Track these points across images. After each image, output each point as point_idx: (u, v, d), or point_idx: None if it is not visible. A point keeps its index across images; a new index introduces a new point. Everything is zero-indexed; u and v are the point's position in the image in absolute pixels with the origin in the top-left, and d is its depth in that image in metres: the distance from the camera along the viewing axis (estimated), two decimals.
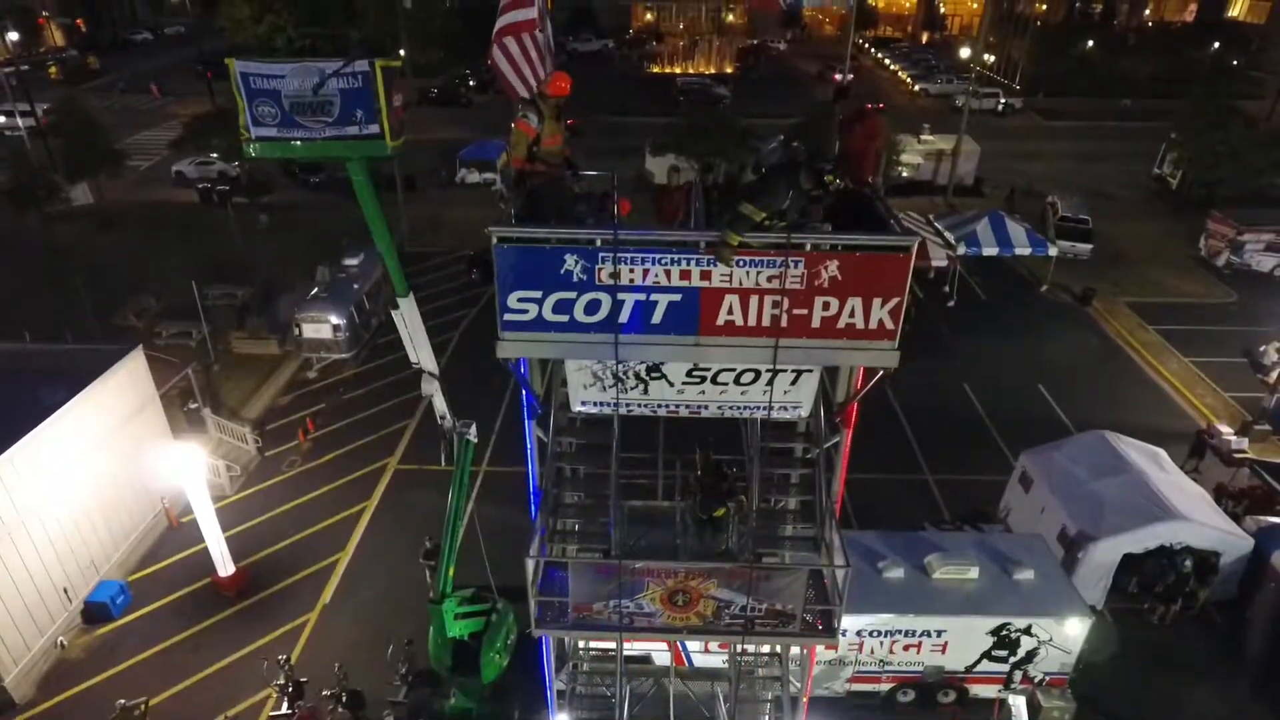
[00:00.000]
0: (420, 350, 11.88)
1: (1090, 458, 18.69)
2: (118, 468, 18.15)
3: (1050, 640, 14.79)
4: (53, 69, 64.20)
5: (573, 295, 6.94)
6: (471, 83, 61.20)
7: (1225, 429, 22.85)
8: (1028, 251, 30.49)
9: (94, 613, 17.17)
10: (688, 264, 6.82)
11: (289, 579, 18.40)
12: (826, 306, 6.88)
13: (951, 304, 30.34)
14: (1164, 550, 16.86)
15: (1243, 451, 22.17)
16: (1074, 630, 14.71)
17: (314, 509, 20.49)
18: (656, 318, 7.03)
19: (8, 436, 15.35)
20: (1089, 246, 33.77)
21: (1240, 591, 17.43)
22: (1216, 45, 66.00)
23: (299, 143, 8.37)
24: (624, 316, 7.01)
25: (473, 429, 13.16)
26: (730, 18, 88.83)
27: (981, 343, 28.17)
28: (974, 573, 15.28)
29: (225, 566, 17.66)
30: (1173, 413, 24.85)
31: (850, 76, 58.32)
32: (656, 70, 71.44)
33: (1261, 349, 26.85)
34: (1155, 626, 17.19)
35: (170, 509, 19.73)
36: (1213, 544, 17.06)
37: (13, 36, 59.72)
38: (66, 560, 16.87)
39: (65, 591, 16.78)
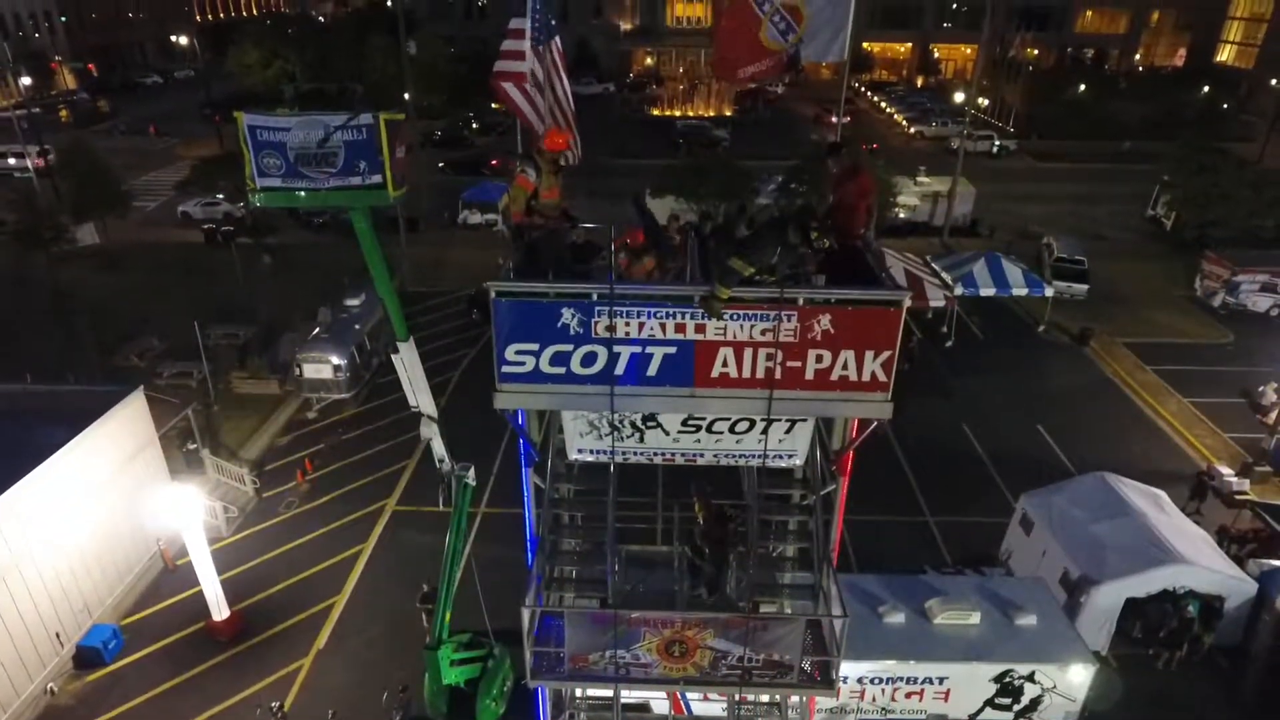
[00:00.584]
0: (420, 394, 11.95)
1: (1091, 500, 18.61)
2: (115, 509, 18.08)
3: (1054, 687, 14.59)
4: (63, 112, 65.40)
5: (569, 348, 7.05)
6: (474, 125, 62.25)
7: (1226, 470, 22.79)
8: (1024, 292, 30.72)
9: (85, 658, 16.95)
10: (683, 317, 6.94)
11: (284, 623, 18.20)
12: (820, 359, 6.98)
13: (949, 344, 30.47)
14: (1167, 594, 16.71)
15: (1244, 493, 22.11)
16: (1078, 677, 14.52)
17: (310, 551, 20.35)
18: (652, 370, 7.13)
19: (4, 480, 15.32)
20: (1085, 287, 34.03)
21: (1245, 635, 17.23)
22: (1206, 89, 67.20)
23: (303, 192, 8.57)
24: (620, 369, 7.11)
25: (471, 472, 13.17)
26: None
27: (980, 383, 28.24)
28: (976, 618, 15.13)
29: (220, 610, 17.49)
30: (1172, 454, 24.79)
31: (847, 119, 59.30)
32: (656, 113, 72.65)
33: (1260, 389, 26.90)
34: (1160, 672, 16.96)
35: (166, 551, 19.60)
36: (1216, 588, 16.91)
37: (25, 80, 60.84)
38: (59, 603, 16.72)
39: (57, 636, 16.60)
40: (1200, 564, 16.83)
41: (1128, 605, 16.78)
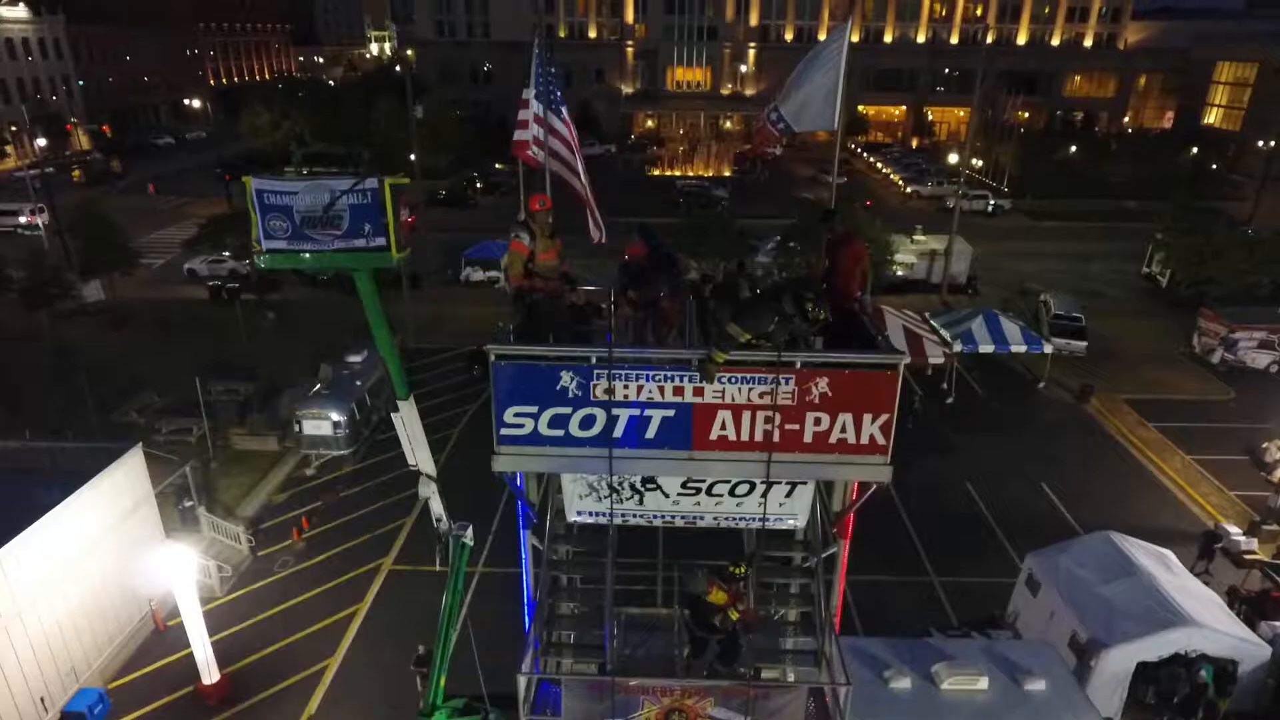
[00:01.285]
0: (419, 452, 11.90)
1: (1098, 560, 18.33)
2: (107, 569, 17.84)
3: None
4: (76, 172, 66.81)
5: (568, 410, 7.07)
6: (478, 185, 63.50)
7: (1234, 529, 22.53)
8: (1023, 349, 30.85)
9: None
10: (681, 380, 6.98)
11: (275, 686, 17.76)
12: (818, 422, 6.99)
13: (950, 400, 30.46)
14: (1179, 658, 16.32)
15: (1252, 553, 21.80)
16: None
17: (304, 611, 19.99)
18: (651, 432, 7.14)
19: None
20: (1084, 344, 34.17)
21: (1256, 700, 16.76)
22: (1194, 151, 68.69)
23: (308, 254, 8.70)
24: (619, 431, 7.12)
25: (469, 531, 12.99)
26: (728, 124, 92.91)
27: (982, 440, 28.13)
28: (984, 683, 14.72)
29: (210, 674, 17.09)
30: (1178, 512, 24.54)
31: (844, 179, 60.56)
32: (657, 173, 74.17)
33: (1264, 446, 26.77)
34: None
35: (158, 611, 19.26)
36: (1229, 652, 16.52)
37: (41, 141, 62.45)
38: (46, 667, 16.35)
39: (41, 700, 16.18)
40: (1212, 627, 16.47)
41: (1139, 670, 16.37)
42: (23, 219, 47.51)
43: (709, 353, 6.84)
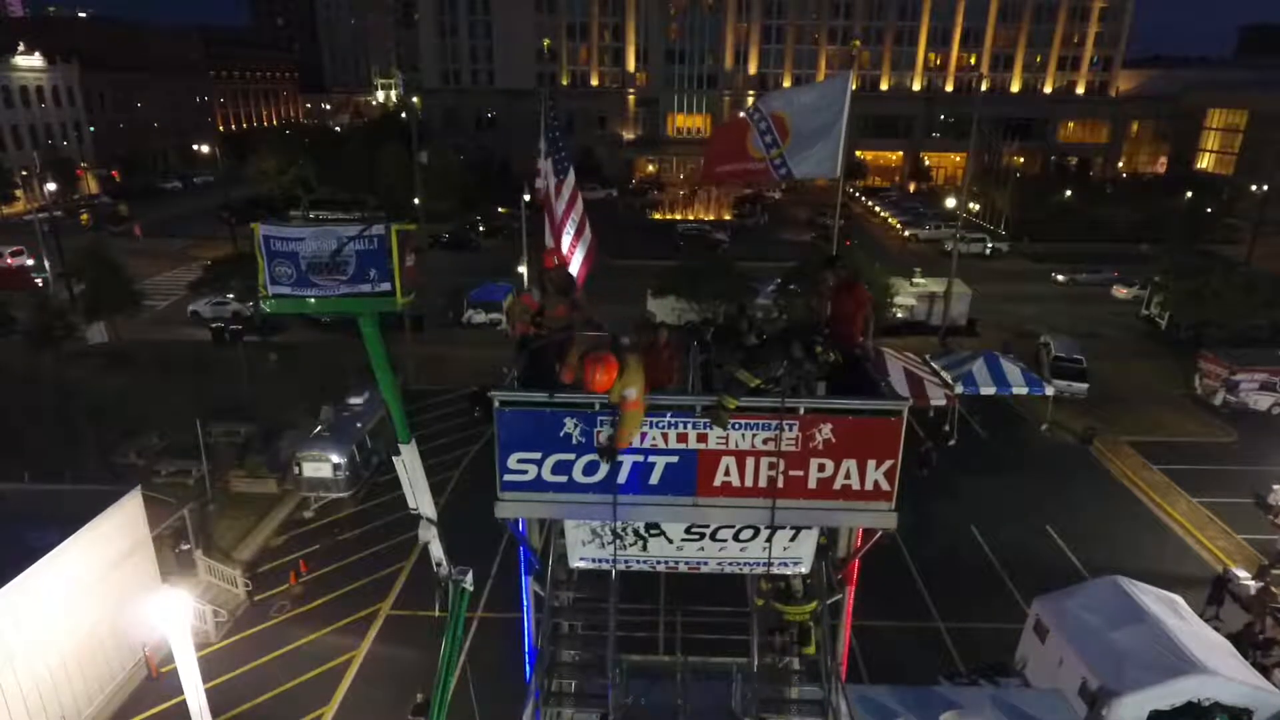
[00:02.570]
0: (420, 496, 11.84)
1: (1106, 606, 18.05)
2: (101, 614, 17.60)
3: None
4: (84, 216, 67.66)
5: (572, 457, 7.06)
6: (481, 228, 64.26)
7: (1243, 573, 22.23)
8: (1024, 391, 30.85)
9: None
10: (685, 426, 6.98)
11: None
12: (822, 468, 6.98)
13: (952, 443, 30.34)
14: (1192, 707, 15.96)
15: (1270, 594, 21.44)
16: None
17: (300, 657, 19.64)
18: (654, 479, 7.12)
19: None
20: (1085, 386, 34.17)
21: None
22: (1189, 194, 69.61)
23: (313, 299, 8.78)
24: (622, 478, 7.10)
25: (469, 576, 12.85)
26: None
27: (986, 482, 27.95)
28: None
29: None
30: (1185, 556, 24.27)
31: (843, 223, 61.11)
32: (658, 217, 75.07)
33: (1275, 488, 26.52)
34: None
35: (151, 657, 18.93)
36: (1243, 700, 16.15)
37: (50, 186, 63.32)
38: (36, 715, 16.00)
39: None
40: (1225, 674, 16.15)
41: (1151, 719, 16.01)
42: (9, 260, 48.10)
43: (720, 399, 6.86)
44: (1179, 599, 18.82)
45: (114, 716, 17.87)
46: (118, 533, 18.31)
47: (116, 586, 18.03)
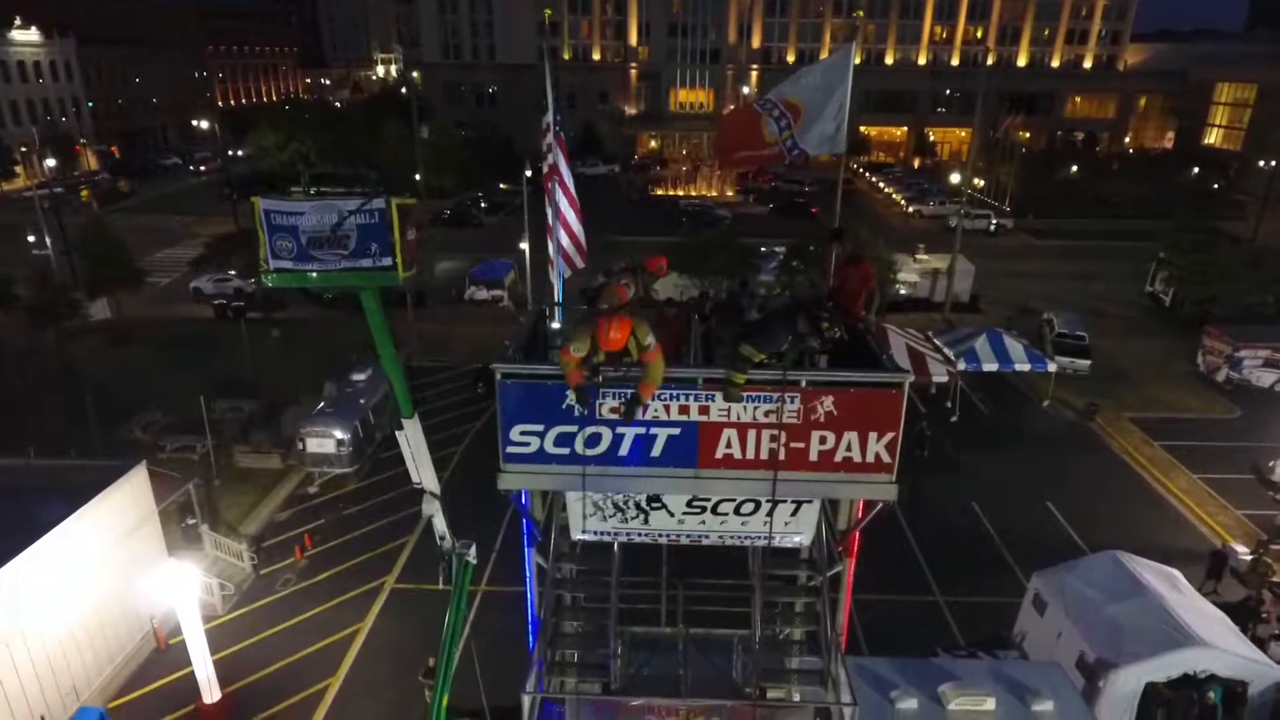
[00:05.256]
0: (423, 470, 11.89)
1: (1105, 580, 18.18)
2: (110, 587, 17.79)
3: None
4: (84, 192, 67.41)
5: (574, 429, 7.08)
6: (483, 205, 63.95)
7: (1241, 548, 22.36)
8: (1027, 367, 30.82)
9: None
10: (686, 399, 6.99)
11: (276, 706, 17.63)
12: (823, 440, 7.00)
13: (954, 419, 30.40)
14: (1189, 679, 16.14)
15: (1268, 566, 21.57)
16: None
17: (306, 630, 19.89)
18: (656, 451, 7.15)
19: (0, 557, 15.15)
20: (1088, 362, 34.13)
21: None
22: (1196, 170, 68.98)
23: (315, 273, 8.77)
24: (624, 450, 7.12)
25: (472, 549, 12.96)
26: None
27: (987, 459, 28.02)
28: (991, 704, 14.57)
29: (211, 693, 16.99)
30: (1184, 531, 24.39)
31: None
32: (660, 193, 74.60)
33: (1270, 464, 26.62)
34: None
35: (159, 629, 19.18)
36: (1239, 672, 16.32)
37: (50, 162, 63.11)
38: (47, 685, 16.26)
39: (42, 718, 16.09)
40: (1221, 647, 16.31)
41: (1148, 690, 16.19)
42: None
43: (728, 375, 6.86)
44: (1177, 573, 18.95)
45: (124, 687, 18.14)
46: (124, 507, 18.46)
47: (124, 560, 18.21)
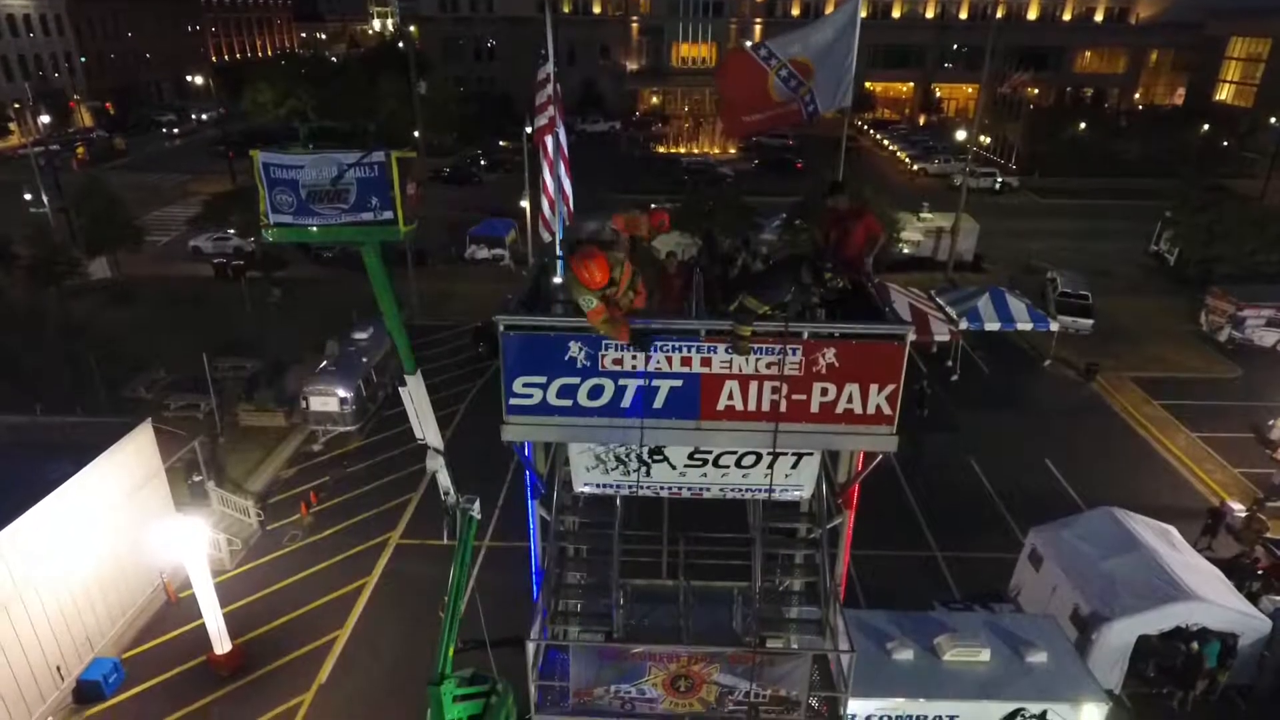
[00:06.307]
0: (426, 426, 11.97)
1: (1101, 535, 18.43)
2: (119, 542, 18.07)
3: None
4: (80, 149, 66.61)
5: (577, 381, 7.11)
6: (483, 162, 63.21)
7: (1237, 506, 22.58)
8: (1029, 327, 30.79)
9: (85, 692, 16.80)
10: (689, 351, 7.01)
11: (285, 657, 18.05)
12: (824, 392, 7.03)
13: (955, 377, 30.46)
14: (1180, 632, 16.47)
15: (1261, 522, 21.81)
16: (1091, 716, 14.23)
17: (313, 584, 20.24)
18: (659, 403, 7.19)
19: (10, 512, 15.36)
20: (1090, 322, 34.06)
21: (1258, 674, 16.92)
22: (1206, 127, 67.88)
23: (315, 228, 8.71)
24: (626, 401, 7.16)
25: (476, 505, 13.11)
26: None
27: (987, 417, 28.15)
28: (986, 655, 14.89)
29: (222, 644, 17.37)
30: (1182, 489, 24.61)
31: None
32: (662, 150, 73.61)
33: (1270, 423, 26.74)
34: (1175, 712, 16.65)
35: (169, 583, 19.53)
36: (1230, 625, 16.66)
37: (44, 119, 62.24)
38: (61, 637, 16.63)
39: (58, 669, 16.49)
40: (1213, 601, 16.60)
41: (1140, 643, 16.52)
42: None
43: (734, 328, 6.86)
44: (1172, 529, 19.19)
45: (136, 638, 18.54)
46: (131, 463, 18.65)
47: (133, 515, 18.46)
